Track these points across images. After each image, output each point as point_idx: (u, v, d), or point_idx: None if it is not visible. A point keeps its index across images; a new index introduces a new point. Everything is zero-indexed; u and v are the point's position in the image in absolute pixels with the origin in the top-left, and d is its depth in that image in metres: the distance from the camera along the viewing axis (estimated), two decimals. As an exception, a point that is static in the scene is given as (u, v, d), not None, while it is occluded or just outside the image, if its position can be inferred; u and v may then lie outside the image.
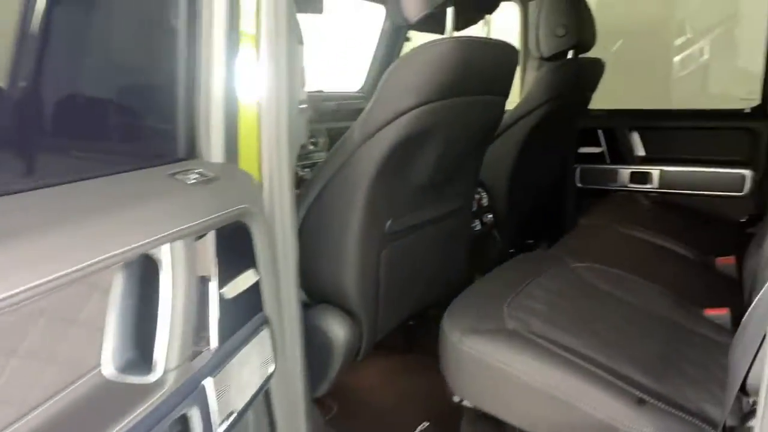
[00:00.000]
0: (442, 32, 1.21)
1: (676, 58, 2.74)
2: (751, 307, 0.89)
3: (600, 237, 1.76)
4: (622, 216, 1.99)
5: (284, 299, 0.95)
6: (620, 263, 1.48)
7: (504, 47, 1.30)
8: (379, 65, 2.49)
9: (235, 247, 0.81)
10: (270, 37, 0.91)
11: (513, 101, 1.65)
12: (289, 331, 0.98)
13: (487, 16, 1.31)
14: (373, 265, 1.22)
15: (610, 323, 1.16)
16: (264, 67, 0.92)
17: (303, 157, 2.25)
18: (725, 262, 1.62)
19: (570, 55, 1.94)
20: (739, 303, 1.36)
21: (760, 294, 0.89)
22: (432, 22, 1.22)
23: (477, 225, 1.86)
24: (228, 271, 0.77)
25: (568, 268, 1.42)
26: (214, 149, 0.85)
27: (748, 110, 2.12)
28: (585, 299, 1.26)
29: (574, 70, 1.94)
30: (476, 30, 1.28)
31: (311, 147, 2.30)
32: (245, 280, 0.81)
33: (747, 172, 2.12)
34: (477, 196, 1.90)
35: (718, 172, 2.17)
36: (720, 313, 1.26)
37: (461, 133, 1.33)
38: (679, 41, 2.74)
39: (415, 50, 1.14)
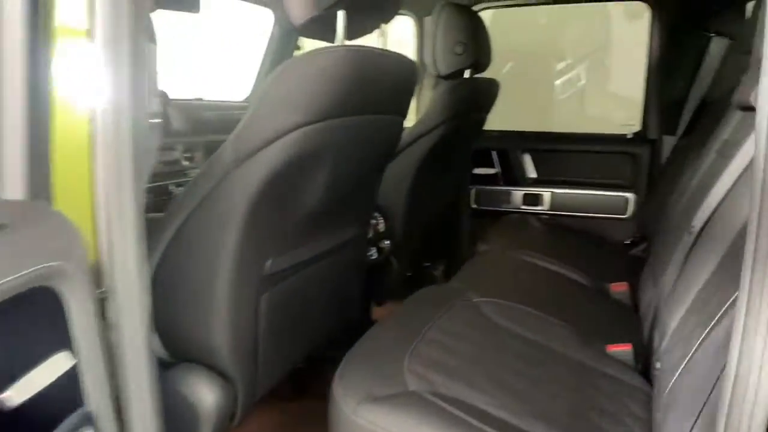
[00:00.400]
0: (332, 40, 1.04)
1: (561, 83, 2.83)
2: (678, 373, 0.83)
3: (499, 265, 1.69)
4: (519, 240, 1.95)
5: (131, 372, 0.71)
6: (521, 295, 1.41)
7: (403, 61, 1.17)
8: (266, 74, 2.28)
9: (36, 321, 0.57)
10: (106, 33, 0.69)
11: (410, 119, 1.53)
12: (138, 413, 0.74)
13: (384, 27, 1.17)
14: (249, 314, 1.02)
15: (518, 369, 1.06)
16: (100, 70, 0.70)
17: (176, 174, 1.98)
18: (619, 289, 1.62)
19: (467, 74, 1.87)
20: (637, 334, 1.33)
21: (688, 358, 0.84)
22: (322, 28, 1.05)
23: (373, 253, 1.71)
24: (18, 360, 0.53)
25: (470, 303, 1.31)
26: (9, 182, 0.60)
27: (630, 135, 2.21)
28: (490, 343, 1.15)
29: (471, 90, 1.88)
30: (371, 42, 1.13)
31: (186, 163, 2.03)
32: (51, 369, 0.57)
33: (630, 195, 2.20)
34: (373, 221, 1.75)
35: (604, 195, 2.23)
36: (623, 350, 1.22)
37: (355, 156, 1.17)
38: (564, 66, 2.84)
39: (301, 58, 0.96)
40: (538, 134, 2.38)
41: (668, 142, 2.10)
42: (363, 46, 1.01)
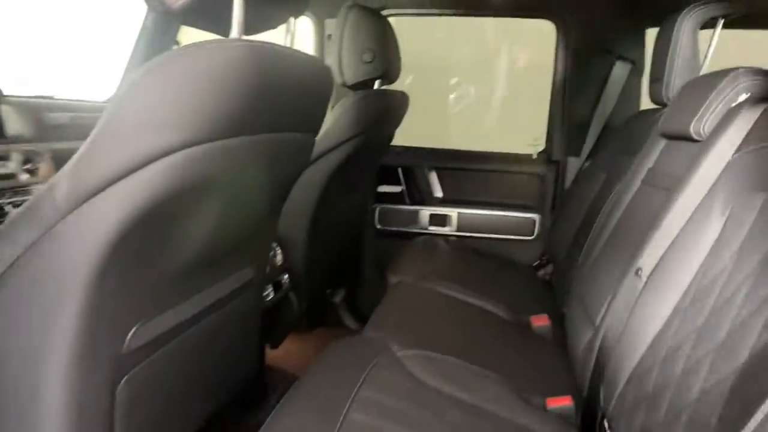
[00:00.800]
0: (226, 33, 0.78)
1: (467, 98, 2.76)
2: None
3: (415, 303, 1.51)
4: (431, 268, 1.79)
5: None
6: (446, 341, 1.24)
7: (316, 66, 0.93)
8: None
9: None
10: None
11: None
12: None
13: (292, 21, 0.93)
14: (98, 413, 0.71)
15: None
16: None
17: (12, 192, 1.55)
18: (540, 323, 1.52)
19: (376, 85, 1.68)
20: (570, 382, 1.22)
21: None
22: (212, 15, 0.79)
23: (270, 292, 1.44)
24: None
25: (394, 358, 1.11)
26: None
27: (535, 156, 2.16)
28: (423, 417, 0.95)
29: (381, 103, 1.69)
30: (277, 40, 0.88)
31: (25, 176, 1.59)
32: None
33: (536, 216, 2.15)
34: (270, 253, 1.49)
35: (510, 216, 2.16)
36: (564, 405, 1.09)
37: (254, 185, 0.91)
38: (471, 82, 2.78)
39: (178, 54, 0.68)
40: (445, 151, 2.26)
41: (573, 164, 2.07)
42: (267, 43, 0.77)
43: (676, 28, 1.43)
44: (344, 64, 1.61)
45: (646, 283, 1.00)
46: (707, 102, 1.04)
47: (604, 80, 1.99)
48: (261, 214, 1.03)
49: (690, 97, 1.17)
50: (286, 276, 1.55)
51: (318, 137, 1.58)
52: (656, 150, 1.31)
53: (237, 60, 0.68)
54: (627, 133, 1.71)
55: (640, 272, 1.02)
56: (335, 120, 1.57)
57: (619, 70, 1.96)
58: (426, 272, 1.73)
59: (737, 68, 1.04)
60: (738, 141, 0.94)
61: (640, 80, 1.98)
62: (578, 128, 2.06)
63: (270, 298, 1.43)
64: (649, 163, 1.31)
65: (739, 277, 0.81)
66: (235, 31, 0.75)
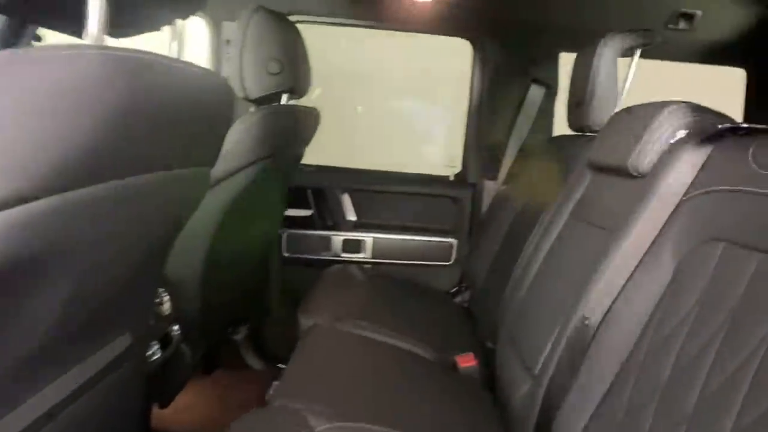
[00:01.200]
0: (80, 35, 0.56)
1: (383, 116, 2.63)
2: None
3: (331, 354, 1.33)
4: (346, 305, 1.62)
5: None
6: (368, 405, 1.08)
7: (212, 82, 0.73)
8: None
9: None
10: None
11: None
12: None
13: (180, 23, 0.72)
14: None
15: None
16: None
17: None
18: (467, 364, 1.40)
19: (284, 99, 1.49)
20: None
21: None
22: (68, 12, 0.57)
23: (156, 351, 1.18)
24: None
25: (311, 435, 0.92)
26: None
27: (452, 177, 2.08)
28: None
29: (291, 120, 1.50)
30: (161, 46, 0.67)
31: None
32: None
33: (453, 241, 2.06)
34: (156, 300, 1.23)
35: (428, 240, 2.06)
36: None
37: (125, 241, 0.69)
38: (386, 98, 2.65)
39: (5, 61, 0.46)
40: (358, 172, 2.11)
41: (490, 188, 2.01)
42: (140, 52, 0.56)
43: (597, 55, 1.39)
44: (246, 75, 1.40)
45: (594, 335, 0.91)
46: (644, 137, 0.98)
47: (520, 103, 1.95)
48: (139, 269, 0.80)
49: (621, 128, 1.11)
50: (176, 327, 1.29)
51: (220, 158, 1.36)
52: (583, 181, 1.25)
53: (92, 75, 0.47)
54: (544, 159, 1.67)
55: (587, 322, 0.93)
56: (236, 140, 1.35)
57: (535, 93, 1.94)
58: (341, 311, 1.55)
59: (671, 102, 0.99)
60: (685, 182, 0.88)
61: (553, 104, 1.97)
62: (494, 151, 2.00)
63: (156, 358, 1.17)
64: (577, 194, 1.25)
65: (704, 337, 0.73)
66: (92, 33, 0.54)
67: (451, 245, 2.06)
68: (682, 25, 1.74)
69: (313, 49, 1.63)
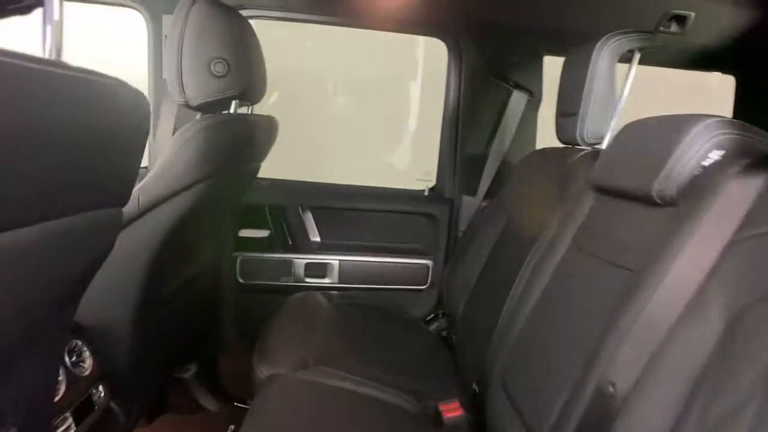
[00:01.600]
0: None
1: (347, 123, 2.42)
2: None
3: (294, 411, 1.11)
4: (308, 344, 1.40)
5: None
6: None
7: (125, 94, 0.52)
8: None
9: None
10: None
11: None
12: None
13: (56, 7, 0.50)
14: None
15: None
16: None
17: None
18: (452, 414, 1.21)
19: (234, 107, 1.26)
20: None
21: None
22: None
23: (70, 425, 0.93)
24: None
25: None
26: None
27: (426, 192, 1.89)
28: None
29: (240, 131, 1.27)
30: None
31: None
32: None
33: (429, 262, 1.87)
34: (72, 358, 0.99)
35: (401, 262, 1.86)
36: None
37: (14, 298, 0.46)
38: (351, 104, 2.44)
39: None
40: (322, 186, 1.90)
41: (469, 204, 1.83)
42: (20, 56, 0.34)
43: (593, 59, 1.22)
44: (186, 78, 1.17)
45: (622, 406, 0.73)
46: (672, 157, 0.81)
47: (501, 110, 1.78)
48: (21, 335, 0.57)
49: (635, 145, 0.94)
50: (101, 387, 1.05)
51: (148, 179, 1.13)
52: (585, 204, 1.08)
53: None
54: (532, 174, 1.49)
55: (612, 389, 0.75)
56: (174, 156, 1.12)
57: (516, 100, 1.77)
58: (304, 353, 1.33)
59: (703, 116, 0.82)
60: (734, 218, 0.70)
61: (536, 112, 1.81)
62: (473, 163, 1.82)
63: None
64: (578, 219, 1.07)
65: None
66: None
67: (426, 267, 1.87)
68: (674, 28, 1.61)
69: (270, 48, 1.42)
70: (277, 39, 2.30)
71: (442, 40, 1.77)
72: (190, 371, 1.79)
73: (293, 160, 2.00)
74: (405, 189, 1.90)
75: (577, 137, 1.26)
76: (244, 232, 1.80)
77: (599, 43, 1.22)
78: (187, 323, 1.56)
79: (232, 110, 1.26)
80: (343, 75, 2.55)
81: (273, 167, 1.67)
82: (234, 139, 1.23)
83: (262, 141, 1.42)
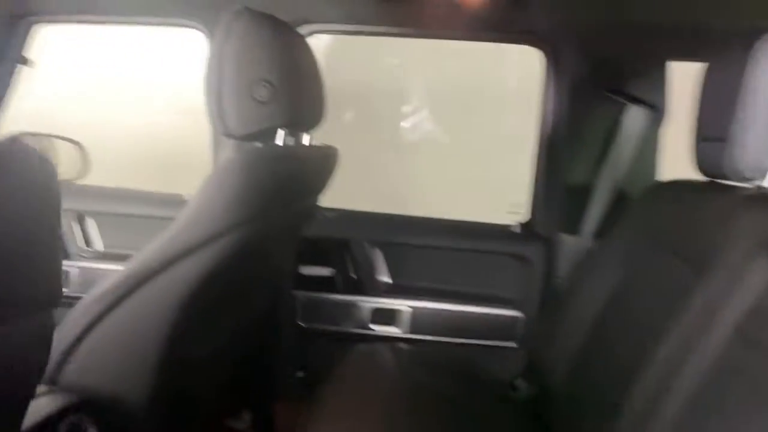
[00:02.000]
0: None
1: (427, 147, 2.17)
2: None
3: None
4: (369, 415, 1.16)
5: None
6: None
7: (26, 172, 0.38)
8: None
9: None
10: None
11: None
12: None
13: None
14: None
15: None
16: None
17: None
18: None
19: (281, 136, 1.06)
20: None
21: None
22: None
23: None
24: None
25: None
26: None
27: (516, 228, 1.59)
28: None
29: (290, 167, 1.07)
30: None
31: None
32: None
33: (518, 314, 1.56)
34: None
35: (484, 312, 1.57)
36: None
37: None
38: (429, 123, 2.20)
39: None
40: (394, 219, 1.66)
41: (570, 245, 1.50)
42: None
43: (751, 65, 0.88)
44: (226, 102, 0.99)
45: None
46: None
47: (612, 130, 1.45)
48: None
49: None
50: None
51: (178, 224, 0.96)
52: (755, 274, 0.74)
53: None
54: (658, 215, 1.15)
55: None
56: (206, 196, 0.94)
57: (632, 117, 1.42)
58: (364, 428, 1.10)
59: None
60: None
61: (657, 132, 1.45)
62: (576, 195, 1.49)
63: None
64: (745, 298, 0.74)
65: None
66: None
67: (514, 320, 1.56)
68: None
69: (347, 62, 1.22)
70: (356, 51, 2.12)
71: (538, 47, 1.47)
72: (244, 422, 1.62)
73: (362, 188, 1.79)
74: (492, 223, 1.61)
75: (727, 169, 0.92)
76: (305, 269, 1.61)
77: (761, 43, 0.88)
78: (238, 371, 1.39)
79: (280, 140, 1.06)
80: (426, 91, 2.31)
81: (339, 195, 1.46)
82: (280, 175, 1.03)
83: (316, 175, 1.21)
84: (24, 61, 1.71)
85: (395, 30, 1.52)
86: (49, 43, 2.43)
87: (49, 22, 1.68)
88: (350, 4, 1.45)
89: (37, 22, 1.65)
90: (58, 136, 1.89)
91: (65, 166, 1.96)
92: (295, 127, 1.07)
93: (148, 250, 0.92)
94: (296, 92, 1.01)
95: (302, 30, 1.47)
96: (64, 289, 1.71)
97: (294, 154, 1.08)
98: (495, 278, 1.57)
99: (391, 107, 2.26)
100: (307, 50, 1.11)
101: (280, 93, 0.98)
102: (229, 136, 1.01)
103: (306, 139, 1.19)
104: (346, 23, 1.51)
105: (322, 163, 1.22)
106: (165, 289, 0.93)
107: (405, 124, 2.26)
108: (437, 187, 2.11)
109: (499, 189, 1.66)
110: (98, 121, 2.31)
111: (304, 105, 1.06)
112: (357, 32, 1.56)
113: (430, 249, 1.60)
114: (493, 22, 1.44)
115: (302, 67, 1.07)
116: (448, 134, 2.21)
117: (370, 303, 1.59)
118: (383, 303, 1.58)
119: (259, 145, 1.03)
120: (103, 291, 0.94)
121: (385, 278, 1.62)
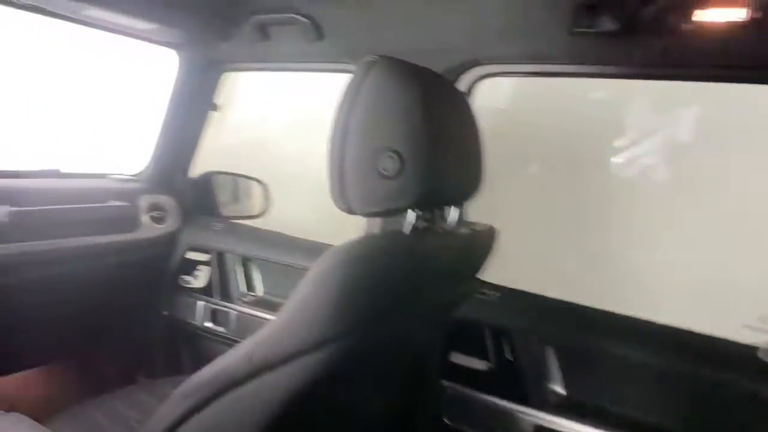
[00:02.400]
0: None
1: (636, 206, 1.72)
2: None
3: None
4: None
5: None
6: None
7: None
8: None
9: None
10: None
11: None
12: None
13: None
14: None
15: None
16: None
17: None
18: None
19: (413, 216, 0.82)
20: None
21: None
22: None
23: None
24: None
25: None
26: None
27: (762, 353, 1.08)
28: None
29: (426, 255, 0.83)
30: None
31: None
32: None
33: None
34: None
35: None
36: None
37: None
38: (628, 172, 1.75)
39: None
40: (572, 310, 1.28)
41: None
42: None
43: None
44: (348, 174, 0.79)
45: None
46: None
47: None
48: None
49: None
50: None
51: (273, 327, 0.78)
52: None
53: None
54: None
55: None
56: (309, 295, 0.74)
57: None
58: None
59: None
60: None
61: None
62: None
63: None
64: None
65: None
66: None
67: None
68: None
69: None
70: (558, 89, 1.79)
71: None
72: None
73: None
74: (729, 340, 1.11)
75: None
76: (456, 358, 1.33)
77: None
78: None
79: (409, 220, 0.82)
80: (636, 133, 1.85)
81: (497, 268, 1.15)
82: (399, 271, 0.78)
83: (463, 260, 0.94)
84: (215, 108, 1.79)
85: (594, 69, 1.17)
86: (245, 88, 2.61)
87: (237, 69, 1.74)
88: (537, 40, 1.15)
89: (226, 70, 1.71)
90: (243, 175, 1.96)
91: (250, 203, 2.04)
92: (425, 208, 0.83)
93: (231, 354, 0.76)
94: (431, 165, 0.76)
95: (473, 74, 1.22)
96: (222, 330, 1.72)
97: (423, 242, 0.83)
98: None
99: (586, 152, 1.85)
100: (458, 106, 0.86)
101: (410, 165, 0.74)
102: (350, 213, 0.81)
103: (454, 215, 0.93)
104: (530, 62, 1.22)
105: (471, 245, 0.94)
106: (253, 400, 0.76)
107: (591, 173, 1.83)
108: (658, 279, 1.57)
109: (745, 290, 1.15)
110: (285, 164, 2.39)
111: (444, 180, 0.81)
112: (544, 73, 1.25)
113: (630, 362, 1.17)
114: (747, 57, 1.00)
115: (449, 129, 0.82)
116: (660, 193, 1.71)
117: (532, 417, 1.23)
118: (551, 422, 1.21)
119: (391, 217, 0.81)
120: (194, 385, 0.81)
121: (558, 388, 1.25)
